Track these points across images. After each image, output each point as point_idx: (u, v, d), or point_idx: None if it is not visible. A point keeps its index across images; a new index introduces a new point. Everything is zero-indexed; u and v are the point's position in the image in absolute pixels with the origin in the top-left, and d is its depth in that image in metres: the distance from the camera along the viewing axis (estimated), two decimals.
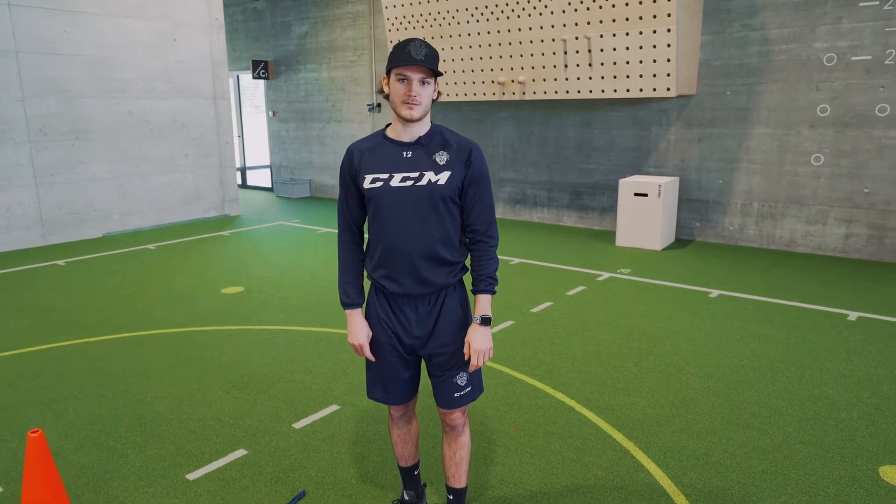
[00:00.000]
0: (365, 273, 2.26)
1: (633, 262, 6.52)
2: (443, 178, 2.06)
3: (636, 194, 7.16)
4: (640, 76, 6.95)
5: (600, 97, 7.35)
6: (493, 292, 2.17)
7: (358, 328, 2.20)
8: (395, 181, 2.07)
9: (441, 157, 2.08)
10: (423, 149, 2.09)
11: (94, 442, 3.15)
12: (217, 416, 3.39)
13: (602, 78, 7.22)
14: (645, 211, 7.14)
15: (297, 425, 3.28)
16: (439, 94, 2.12)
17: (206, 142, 9.18)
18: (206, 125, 9.15)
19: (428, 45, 2.01)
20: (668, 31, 6.60)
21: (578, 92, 7.45)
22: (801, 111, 6.69)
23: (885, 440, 3.04)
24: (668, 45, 6.65)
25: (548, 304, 5.20)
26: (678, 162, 7.58)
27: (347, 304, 2.22)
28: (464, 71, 8.36)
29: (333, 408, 3.46)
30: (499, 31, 7.83)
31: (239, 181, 11.22)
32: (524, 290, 5.61)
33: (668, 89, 6.82)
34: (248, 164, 13.09)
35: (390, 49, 8.89)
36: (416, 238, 2.08)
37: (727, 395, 3.53)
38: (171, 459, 2.98)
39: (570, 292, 5.51)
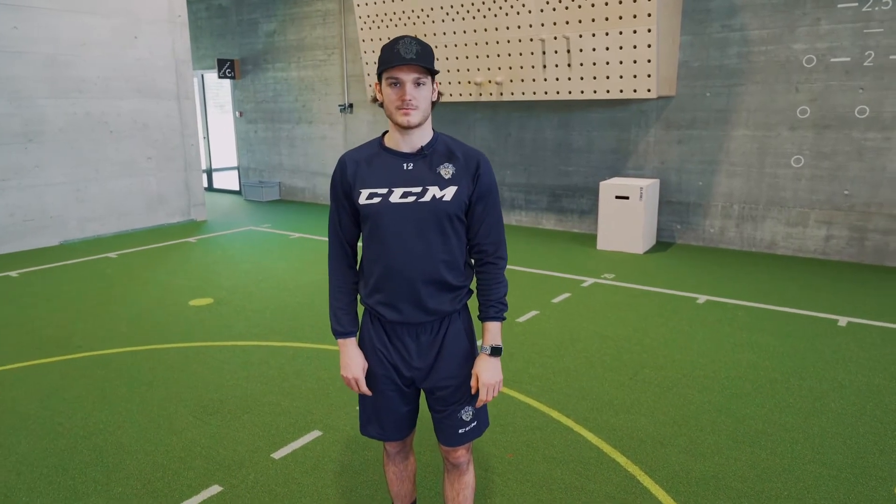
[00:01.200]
0: (357, 297, 2.03)
1: (617, 267, 6.39)
2: (448, 193, 1.84)
3: (617, 197, 7.04)
4: (620, 77, 6.82)
5: (579, 98, 7.21)
6: (503, 319, 1.95)
7: (352, 360, 1.97)
8: (395, 197, 1.84)
9: (446, 170, 1.86)
10: (426, 160, 1.86)
11: (49, 480, 2.84)
12: (188, 446, 3.11)
13: (581, 79, 7.08)
14: (626, 214, 7.02)
15: (277, 455, 3.02)
16: (439, 94, 1.89)
17: (170, 144, 8.78)
18: (170, 126, 8.75)
19: (419, 42, 1.78)
20: (649, 31, 6.48)
21: (557, 93, 7.30)
22: (781, 113, 6.64)
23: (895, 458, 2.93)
24: (649, 46, 6.54)
25: (534, 312, 5.02)
26: (658, 164, 7.48)
27: (340, 333, 1.98)
28: (438, 71, 8.13)
29: (315, 434, 3.21)
30: (475, 31, 7.63)
31: (205, 184, 10.77)
32: (508, 297, 5.41)
33: (649, 90, 6.70)
34: (214, 167, 12.65)
35: (360, 51, 8.53)
36: (418, 261, 1.85)
37: (729, 411, 3.38)
38: (138, 499, 2.69)
39: (556, 300, 5.33)
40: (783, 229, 6.86)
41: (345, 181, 1.90)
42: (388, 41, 1.81)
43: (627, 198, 6.97)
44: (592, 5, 6.72)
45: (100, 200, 8.12)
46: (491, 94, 7.80)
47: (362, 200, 1.86)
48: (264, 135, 11.30)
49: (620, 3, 6.55)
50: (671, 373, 3.88)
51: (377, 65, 1.84)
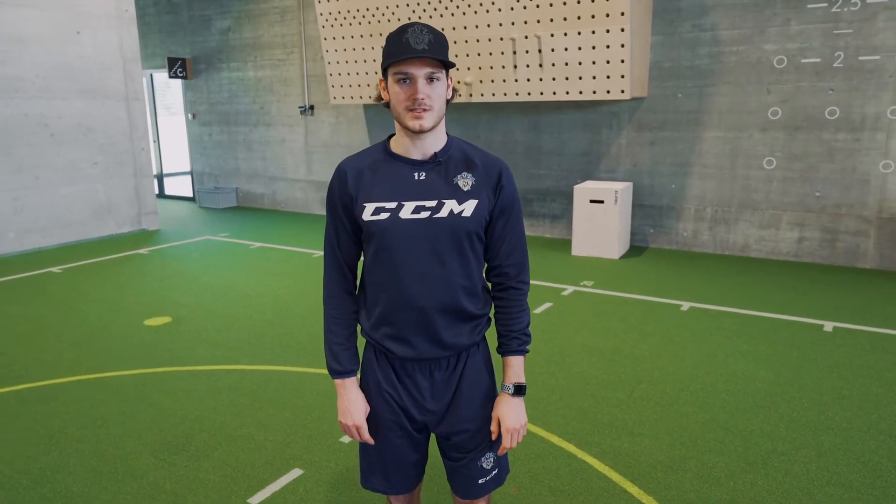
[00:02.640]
0: (358, 329, 1.74)
1: (595, 273, 6.23)
2: (468, 208, 1.58)
3: (592, 201, 6.89)
4: (593, 78, 6.67)
5: (551, 99, 7.04)
6: (527, 352, 1.70)
7: (353, 404, 1.68)
8: (406, 212, 1.57)
9: (465, 181, 1.59)
10: (441, 169, 1.60)
11: None
12: (149, 493, 2.75)
13: (553, 79, 6.90)
14: (601, 218, 6.87)
15: (254, 500, 2.69)
16: (454, 91, 1.62)
17: (118, 148, 8.24)
18: (118, 129, 8.21)
19: (432, 30, 1.51)
20: (622, 30, 6.35)
21: (529, 94, 7.11)
22: (753, 114, 6.61)
23: None
24: (622, 46, 6.40)
25: None
26: (630, 166, 7.37)
27: (339, 373, 1.69)
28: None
29: (296, 472, 2.89)
30: (443, 29, 7.37)
31: (156, 190, 10.23)
32: None
33: (622, 91, 6.58)
34: (165, 171, 12.05)
35: (321, 50, 8.15)
36: (434, 287, 1.59)
37: (734, 429, 3.21)
38: None
39: (538, 310, 5.12)
40: (756, 232, 6.83)
41: (344, 193, 1.62)
42: (395, 30, 1.54)
43: (602, 202, 6.83)
44: (564, 4, 6.55)
45: (40, 210, 7.54)
46: (460, 95, 7.56)
47: (367, 216, 1.59)
48: (219, 138, 10.80)
49: (593, 1, 6.39)
50: (668, 387, 3.70)
51: (382, 58, 1.57)
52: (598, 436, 3.16)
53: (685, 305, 5.20)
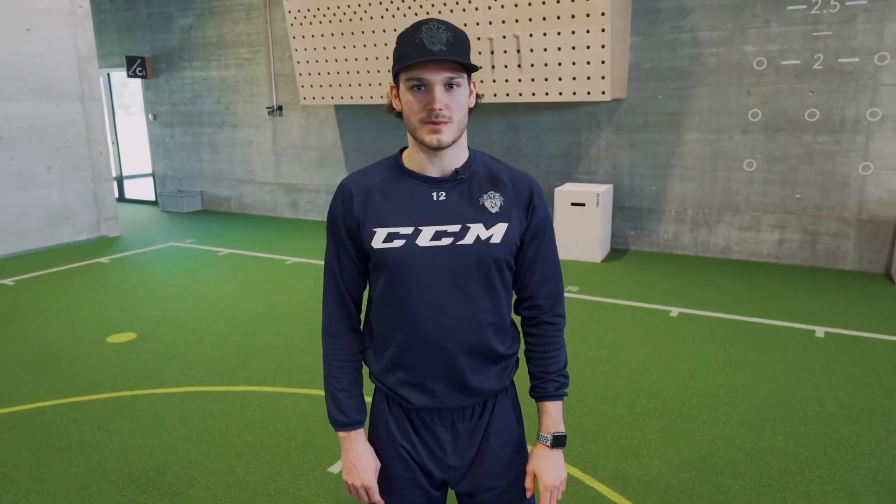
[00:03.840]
0: (364, 370, 1.52)
1: (579, 278, 6.09)
2: (497, 232, 1.37)
3: (573, 204, 6.75)
4: (573, 79, 6.53)
5: (530, 101, 6.89)
6: (566, 395, 1.51)
7: (361, 460, 1.46)
8: (425, 238, 1.35)
9: (492, 202, 1.39)
10: (464, 188, 1.39)
11: None
12: None
13: (532, 80, 6.74)
14: (583, 221, 6.74)
15: None
16: (478, 98, 1.41)
17: (75, 151, 7.79)
18: (74, 131, 7.77)
19: (450, 27, 1.30)
20: (603, 30, 6.22)
21: (507, 95, 6.94)
22: (733, 116, 6.56)
23: None
24: (603, 47, 6.28)
25: None
26: (610, 168, 7.27)
27: (344, 425, 1.46)
28: (378, 71, 7.61)
29: None
30: None
31: (116, 194, 9.74)
32: None
33: (603, 93, 6.45)
34: (125, 174, 11.54)
35: (290, 48, 7.85)
36: (458, 325, 1.38)
37: (743, 446, 3.08)
38: None
39: None
40: (736, 234, 6.78)
41: (350, 216, 1.40)
42: (407, 28, 1.33)
43: (584, 204, 6.70)
44: (543, 3, 6.39)
45: None
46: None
47: (378, 244, 1.37)
48: (182, 140, 10.37)
49: (572, 1, 6.25)
50: (669, 401, 3.55)
51: (393, 61, 1.35)
52: (603, 458, 2.99)
53: (674, 311, 5.09)
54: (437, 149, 1.33)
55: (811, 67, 6.14)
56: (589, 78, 6.45)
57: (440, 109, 1.29)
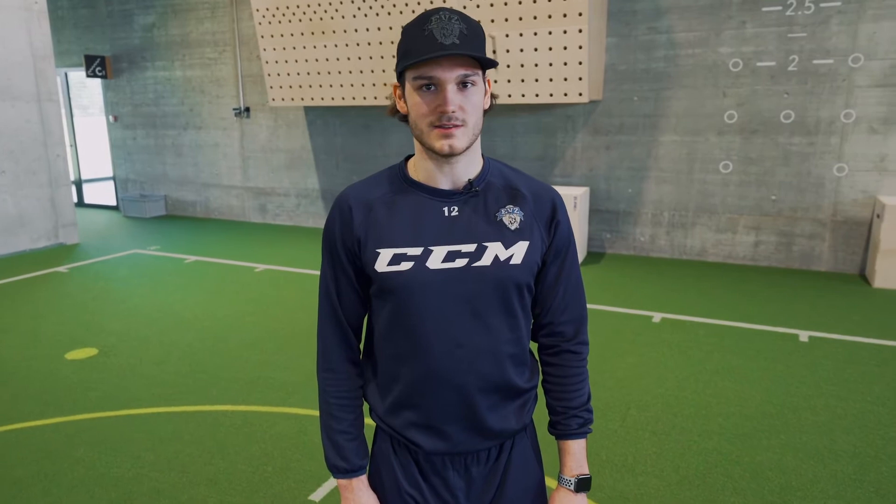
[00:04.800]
0: (365, 407, 1.35)
1: None
2: (518, 252, 1.22)
3: None
4: (550, 80, 6.43)
5: (505, 102, 6.77)
6: (590, 432, 1.36)
7: None
8: (436, 260, 1.20)
9: (511, 217, 1.24)
10: (479, 202, 1.24)
11: None
12: None
13: (508, 81, 6.62)
14: None
15: None
16: (494, 99, 1.25)
17: (30, 154, 7.41)
18: (29, 133, 7.38)
19: (464, 17, 1.15)
20: (580, 31, 6.13)
21: None
22: (709, 118, 6.54)
23: None
24: (580, 48, 6.19)
25: None
26: (586, 171, 7.19)
27: (345, 472, 1.30)
28: (350, 72, 7.41)
29: None
30: (391, 28, 6.98)
31: (74, 199, 9.35)
32: None
33: (580, 94, 6.37)
34: (84, 178, 11.09)
35: (258, 48, 7.60)
36: (475, 358, 1.22)
37: (740, 460, 2.99)
38: None
39: None
40: (713, 236, 6.77)
41: (349, 235, 1.24)
42: (414, 19, 1.17)
43: None
44: (520, 3, 6.28)
45: None
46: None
47: (381, 266, 1.21)
48: (145, 142, 9.99)
49: (549, 1, 6.15)
50: (660, 413, 3.45)
51: (397, 56, 1.19)
52: (599, 476, 2.87)
53: (656, 317, 5.01)
54: (448, 156, 1.18)
55: (786, 69, 6.15)
56: (566, 79, 6.35)
57: (453, 112, 1.14)
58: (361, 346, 1.35)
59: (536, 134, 7.34)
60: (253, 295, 5.70)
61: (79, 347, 4.47)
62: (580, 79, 6.30)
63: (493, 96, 1.23)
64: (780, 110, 6.24)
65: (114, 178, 10.50)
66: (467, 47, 1.12)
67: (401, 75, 1.19)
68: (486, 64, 1.16)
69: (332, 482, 2.79)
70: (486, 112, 1.22)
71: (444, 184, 1.23)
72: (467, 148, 1.18)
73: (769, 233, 6.52)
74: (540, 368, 1.38)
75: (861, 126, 5.96)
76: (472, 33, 1.14)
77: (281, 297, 5.59)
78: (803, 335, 4.56)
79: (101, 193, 11.50)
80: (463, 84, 1.14)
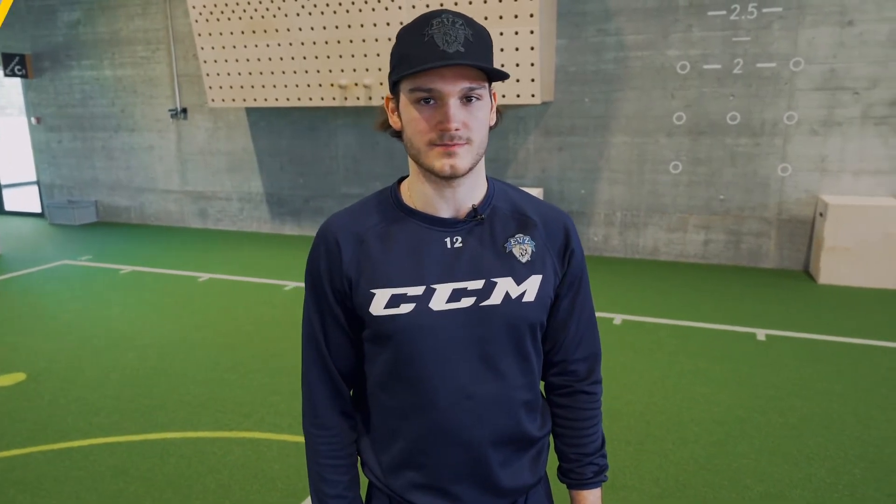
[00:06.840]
0: (357, 462, 1.18)
1: None
2: (531, 288, 1.08)
3: None
4: (502, 81, 6.33)
5: None
6: (606, 480, 1.23)
7: None
8: (440, 300, 1.04)
9: (521, 248, 1.09)
10: (484, 231, 1.08)
11: None
12: None
13: None
14: None
15: None
16: (500, 114, 1.10)
17: None
18: None
19: (469, 22, 1.00)
20: (532, 32, 6.07)
21: None
22: (658, 119, 6.60)
23: None
24: (532, 49, 6.13)
25: None
26: (539, 172, 7.16)
27: None
28: (295, 72, 7.12)
29: None
30: (337, 27, 6.74)
31: None
32: None
33: (533, 96, 6.31)
34: (3, 183, 10.33)
35: (195, 47, 7.26)
36: (487, 410, 1.08)
37: (718, 468, 2.95)
38: None
39: None
40: (664, 235, 6.84)
41: (337, 273, 1.06)
42: (412, 22, 1.01)
43: None
44: (470, 3, 6.16)
45: None
46: (358, 97, 6.96)
47: (378, 310, 1.04)
48: (72, 145, 9.37)
49: (500, 2, 6.07)
50: (633, 421, 3.39)
51: (391, 64, 1.03)
52: None
53: (617, 318, 4.99)
54: (450, 178, 1.02)
55: (731, 72, 6.27)
56: (518, 80, 6.28)
57: (456, 130, 0.98)
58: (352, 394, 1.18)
59: (489, 135, 7.23)
60: (198, 307, 5.36)
61: (4, 373, 4.07)
62: (532, 80, 6.25)
63: (499, 112, 1.08)
64: (727, 112, 6.36)
65: (38, 183, 9.81)
66: (473, 56, 0.97)
67: (395, 86, 1.03)
68: (494, 76, 1.01)
69: None
70: (491, 129, 1.06)
71: (444, 211, 1.07)
72: (471, 168, 1.03)
73: (718, 231, 6.64)
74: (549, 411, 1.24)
75: (803, 128, 6.13)
76: (479, 40, 1.00)
77: (229, 309, 5.29)
78: (760, 334, 4.62)
79: (24, 200, 10.75)
80: (467, 98, 1.00)
